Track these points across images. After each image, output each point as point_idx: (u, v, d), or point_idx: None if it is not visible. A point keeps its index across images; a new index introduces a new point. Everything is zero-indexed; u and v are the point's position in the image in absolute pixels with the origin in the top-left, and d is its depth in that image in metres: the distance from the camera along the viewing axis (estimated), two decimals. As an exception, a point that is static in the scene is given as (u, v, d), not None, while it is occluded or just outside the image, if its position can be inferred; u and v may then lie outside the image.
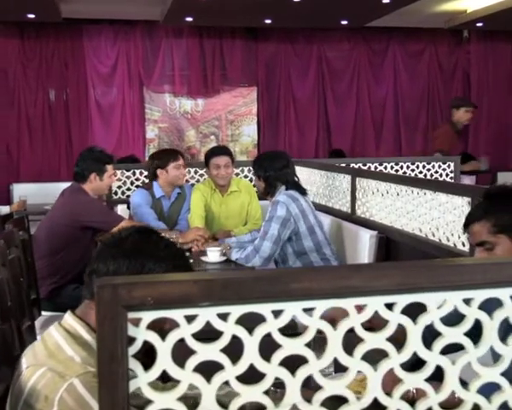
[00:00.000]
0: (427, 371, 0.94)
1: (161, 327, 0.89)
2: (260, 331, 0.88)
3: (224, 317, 0.88)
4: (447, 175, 5.63)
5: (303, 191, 3.66)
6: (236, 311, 0.88)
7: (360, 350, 0.91)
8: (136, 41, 8.14)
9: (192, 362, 0.87)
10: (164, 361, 0.86)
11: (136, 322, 0.85)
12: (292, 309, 0.88)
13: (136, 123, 8.31)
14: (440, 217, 2.81)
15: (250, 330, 0.89)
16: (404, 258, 3.24)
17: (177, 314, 0.86)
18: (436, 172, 5.62)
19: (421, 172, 5.57)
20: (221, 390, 0.96)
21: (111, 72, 8.19)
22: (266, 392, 0.90)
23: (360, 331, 0.91)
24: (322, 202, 4.48)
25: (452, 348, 0.98)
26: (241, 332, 0.87)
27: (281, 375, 0.90)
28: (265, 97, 8.68)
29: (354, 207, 3.88)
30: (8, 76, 7.84)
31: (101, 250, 1.40)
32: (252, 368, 0.88)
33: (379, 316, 0.90)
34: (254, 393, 0.89)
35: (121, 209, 4.71)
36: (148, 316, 0.85)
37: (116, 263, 1.35)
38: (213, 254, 3.40)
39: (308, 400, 0.91)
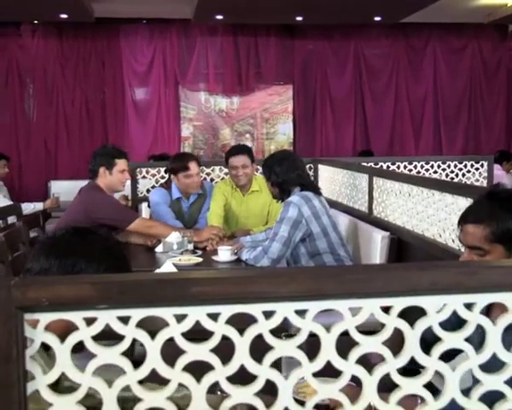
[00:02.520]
0: (343, 381, 0.90)
1: None
2: (162, 336, 0.86)
3: (125, 320, 0.86)
4: (480, 175, 5.45)
5: (317, 191, 3.54)
6: (137, 314, 0.86)
7: (269, 358, 0.89)
8: (171, 40, 8.21)
9: (92, 366, 0.86)
10: (63, 364, 0.85)
11: (35, 323, 0.84)
12: (195, 314, 0.86)
13: (172, 121, 8.38)
14: (447, 218, 2.73)
15: (154, 335, 0.87)
16: (413, 260, 3.15)
17: (75, 316, 0.85)
18: (468, 171, 5.45)
19: (452, 172, 5.41)
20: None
21: (147, 70, 8.28)
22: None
23: (269, 338, 0.88)
24: (344, 202, 4.41)
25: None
26: (142, 336, 0.86)
27: (185, 381, 0.88)
28: (301, 95, 8.61)
29: (371, 208, 3.80)
30: (47, 75, 8.03)
31: (36, 249, 1.40)
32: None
33: None
34: (158, 399, 0.88)
35: (144, 207, 4.75)
36: (44, 317, 0.84)
37: (48, 262, 1.34)
38: (224, 254, 3.37)
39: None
